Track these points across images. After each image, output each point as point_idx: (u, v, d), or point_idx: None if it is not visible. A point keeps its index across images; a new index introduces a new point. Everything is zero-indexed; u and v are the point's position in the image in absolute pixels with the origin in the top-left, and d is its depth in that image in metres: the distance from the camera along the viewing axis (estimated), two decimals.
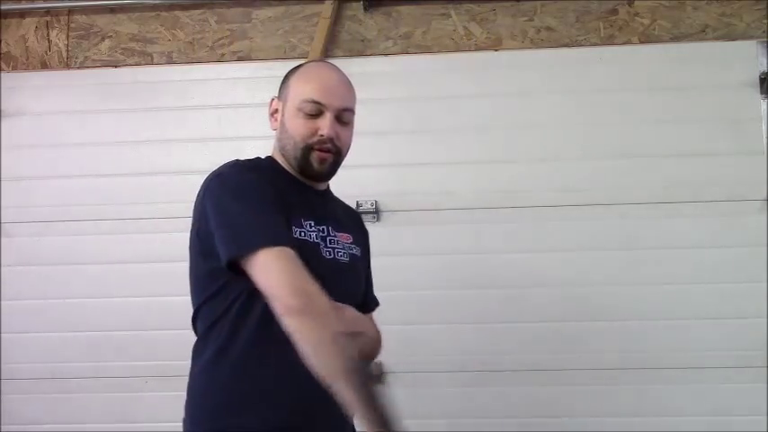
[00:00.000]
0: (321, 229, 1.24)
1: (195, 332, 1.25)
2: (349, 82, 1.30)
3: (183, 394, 1.20)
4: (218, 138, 2.23)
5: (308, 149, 1.24)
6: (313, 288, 1.07)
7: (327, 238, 1.25)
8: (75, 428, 2.17)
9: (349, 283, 1.28)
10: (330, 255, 1.24)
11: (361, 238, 1.39)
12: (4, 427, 2.17)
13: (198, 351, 1.22)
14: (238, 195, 1.16)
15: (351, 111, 1.27)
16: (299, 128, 1.24)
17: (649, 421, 2.05)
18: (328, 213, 1.29)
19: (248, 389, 1.15)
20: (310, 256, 1.15)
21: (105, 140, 2.25)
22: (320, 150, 1.24)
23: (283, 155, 1.29)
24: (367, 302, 1.39)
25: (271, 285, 1.08)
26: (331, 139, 1.23)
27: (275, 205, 1.16)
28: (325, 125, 1.23)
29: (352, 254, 1.30)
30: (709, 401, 2.04)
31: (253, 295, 1.13)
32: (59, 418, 2.18)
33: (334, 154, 1.25)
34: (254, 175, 1.21)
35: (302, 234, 1.20)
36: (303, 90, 1.25)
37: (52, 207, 2.24)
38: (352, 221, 1.39)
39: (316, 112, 1.23)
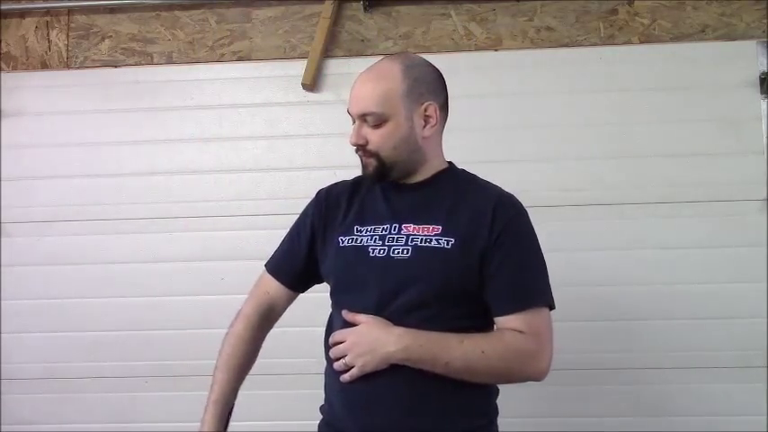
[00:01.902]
0: (384, 227, 1.25)
1: None
2: (371, 81, 1.25)
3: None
4: (218, 138, 2.23)
5: (359, 158, 1.29)
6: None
7: (388, 237, 1.24)
8: (74, 428, 2.17)
9: (403, 276, 1.21)
10: (383, 252, 1.22)
11: (465, 228, 1.23)
12: (4, 427, 2.17)
13: None
14: None
15: (370, 114, 1.23)
16: None
17: (649, 421, 2.05)
18: (411, 208, 1.26)
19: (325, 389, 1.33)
20: (355, 258, 1.24)
21: (105, 140, 2.25)
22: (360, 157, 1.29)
23: None
24: (493, 305, 1.25)
25: None
26: (361, 146, 1.25)
27: (289, 238, 1.40)
28: (351, 134, 1.27)
29: (427, 246, 1.21)
30: (709, 401, 2.04)
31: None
32: (59, 418, 2.18)
33: (373, 157, 1.25)
34: (305, 210, 1.40)
35: (350, 241, 1.27)
36: None
37: (52, 207, 2.24)
38: (458, 209, 1.26)
39: (353, 121, 1.27)
